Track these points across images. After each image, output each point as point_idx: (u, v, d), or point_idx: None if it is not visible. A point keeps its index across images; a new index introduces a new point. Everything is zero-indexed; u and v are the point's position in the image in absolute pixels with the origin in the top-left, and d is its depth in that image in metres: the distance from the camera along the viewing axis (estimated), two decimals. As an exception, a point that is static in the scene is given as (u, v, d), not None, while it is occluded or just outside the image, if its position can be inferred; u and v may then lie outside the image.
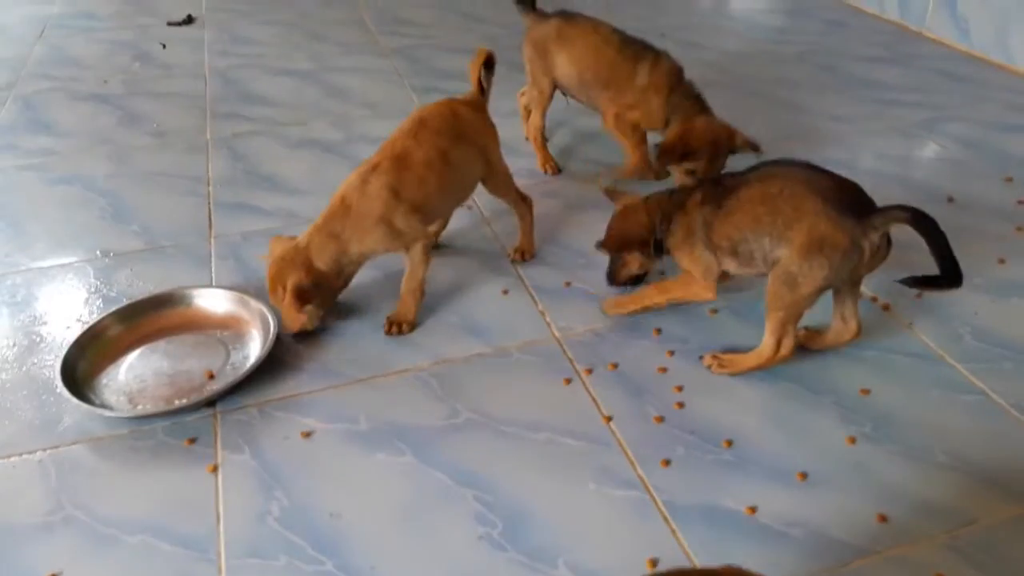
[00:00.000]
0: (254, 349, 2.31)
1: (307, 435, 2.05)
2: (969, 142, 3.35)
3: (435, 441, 2.02)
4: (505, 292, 2.54)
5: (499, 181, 2.60)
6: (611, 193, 2.44)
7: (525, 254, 2.68)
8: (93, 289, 2.62)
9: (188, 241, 2.83)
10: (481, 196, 3.02)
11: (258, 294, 2.44)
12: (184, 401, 2.12)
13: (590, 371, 2.21)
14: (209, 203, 3.06)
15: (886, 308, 2.41)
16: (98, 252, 2.81)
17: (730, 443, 1.98)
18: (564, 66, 3.01)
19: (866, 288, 2.48)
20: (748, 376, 2.16)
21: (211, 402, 2.14)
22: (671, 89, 2.88)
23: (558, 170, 3.17)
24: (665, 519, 1.81)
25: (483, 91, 2.54)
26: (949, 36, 4.32)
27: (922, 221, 1.87)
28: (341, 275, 2.34)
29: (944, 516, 1.79)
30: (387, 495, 1.88)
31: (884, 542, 1.74)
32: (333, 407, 2.13)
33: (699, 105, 2.87)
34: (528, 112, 3.23)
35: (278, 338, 2.30)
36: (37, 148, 3.55)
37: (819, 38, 4.52)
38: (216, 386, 2.17)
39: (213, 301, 2.47)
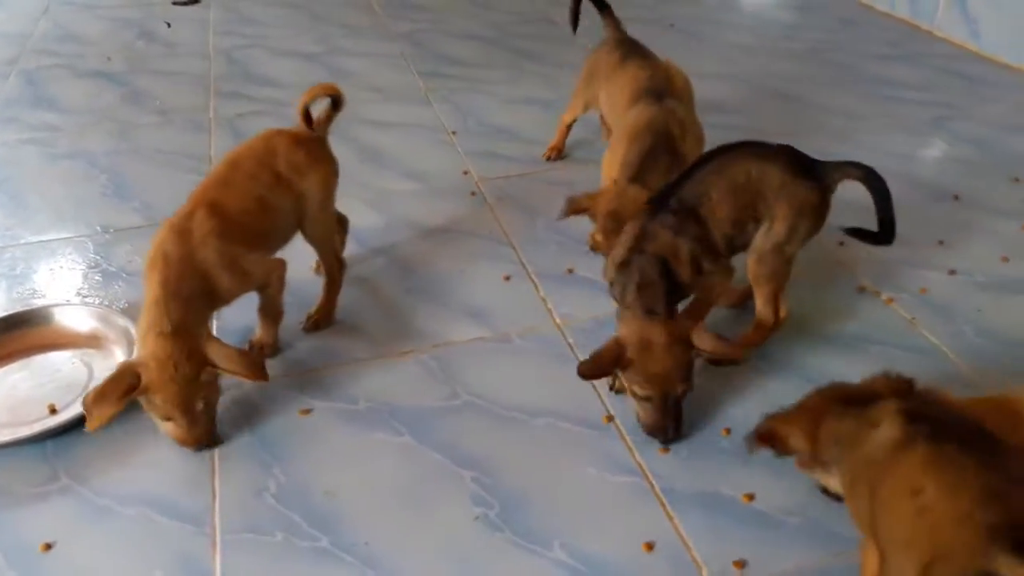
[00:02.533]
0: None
1: (306, 413, 2.04)
2: (977, 141, 3.33)
3: (434, 422, 2.02)
4: (507, 278, 2.53)
5: (317, 230, 2.27)
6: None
7: (320, 323, 2.31)
8: (92, 264, 2.61)
9: (190, 218, 2.81)
10: (483, 181, 3.02)
11: (128, 310, 2.33)
12: (16, 436, 1.92)
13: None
14: (211, 181, 3.05)
15: (889, 302, 2.41)
16: (98, 227, 2.80)
17: (728, 431, 1.97)
18: (602, 101, 2.85)
19: (870, 283, 2.48)
20: (748, 366, 2.16)
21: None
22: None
23: (559, 156, 3.16)
24: (662, 505, 1.80)
25: (309, 124, 2.24)
26: (959, 35, 4.30)
27: (872, 178, 2.01)
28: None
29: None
30: (384, 474, 1.88)
31: (882, 534, 1.73)
32: (332, 387, 2.12)
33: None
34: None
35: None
36: (40, 123, 3.53)
37: (829, 35, 4.50)
38: (51, 423, 1.96)
39: (76, 319, 2.28)
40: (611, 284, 1.99)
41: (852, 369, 2.15)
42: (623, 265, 1.94)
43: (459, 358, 2.22)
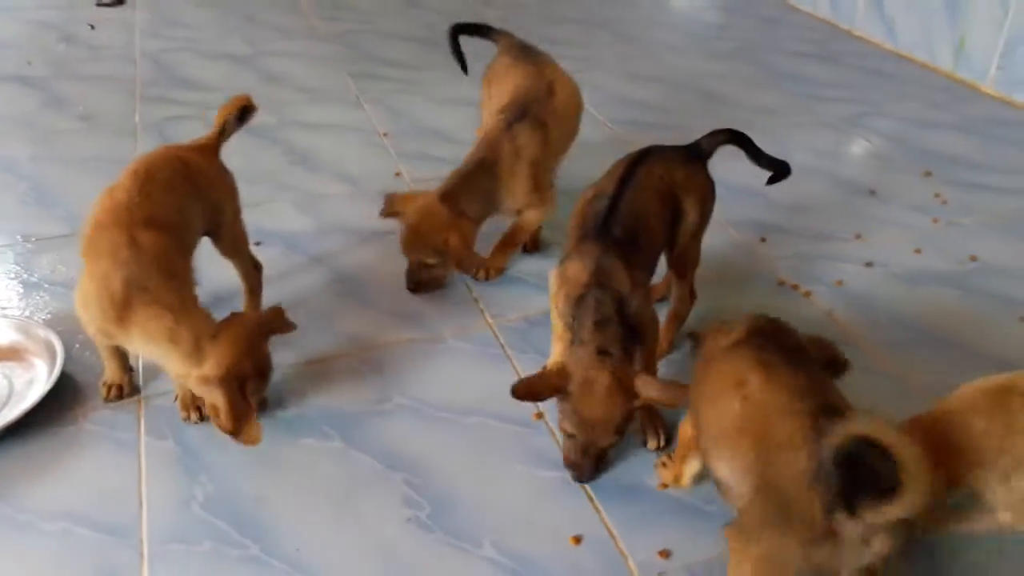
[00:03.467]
0: (38, 382, 2.08)
1: (234, 421, 2.02)
2: (892, 137, 3.47)
3: (364, 425, 2.02)
4: (439, 279, 2.54)
5: (230, 242, 2.22)
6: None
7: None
8: (12, 275, 2.54)
9: (115, 226, 2.76)
10: (416, 182, 3.02)
11: (51, 321, 2.28)
12: None
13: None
14: (137, 188, 2.99)
15: (807, 295, 2.49)
16: (19, 237, 2.72)
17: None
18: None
19: (789, 277, 2.56)
20: (669, 359, 2.21)
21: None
22: None
23: None
24: (589, 498, 1.84)
25: (222, 135, 2.18)
26: (877, 35, 4.46)
27: (738, 137, 2.18)
28: None
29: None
30: (314, 479, 1.88)
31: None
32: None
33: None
34: None
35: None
36: (-45, 129, 3.42)
37: (753, 34, 4.63)
38: None
39: None
40: (570, 318, 1.87)
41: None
42: (579, 300, 1.84)
43: (391, 360, 2.23)
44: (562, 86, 2.60)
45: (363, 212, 2.84)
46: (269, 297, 2.37)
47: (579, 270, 1.87)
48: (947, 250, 2.71)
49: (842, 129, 3.54)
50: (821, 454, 1.28)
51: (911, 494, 1.17)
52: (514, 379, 2.15)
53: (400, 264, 2.62)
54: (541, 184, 2.49)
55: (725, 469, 1.46)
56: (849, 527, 1.27)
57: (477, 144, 2.48)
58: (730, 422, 1.44)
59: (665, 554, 1.72)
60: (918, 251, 2.70)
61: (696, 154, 2.15)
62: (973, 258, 2.67)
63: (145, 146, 3.27)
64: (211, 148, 2.17)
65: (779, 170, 2.20)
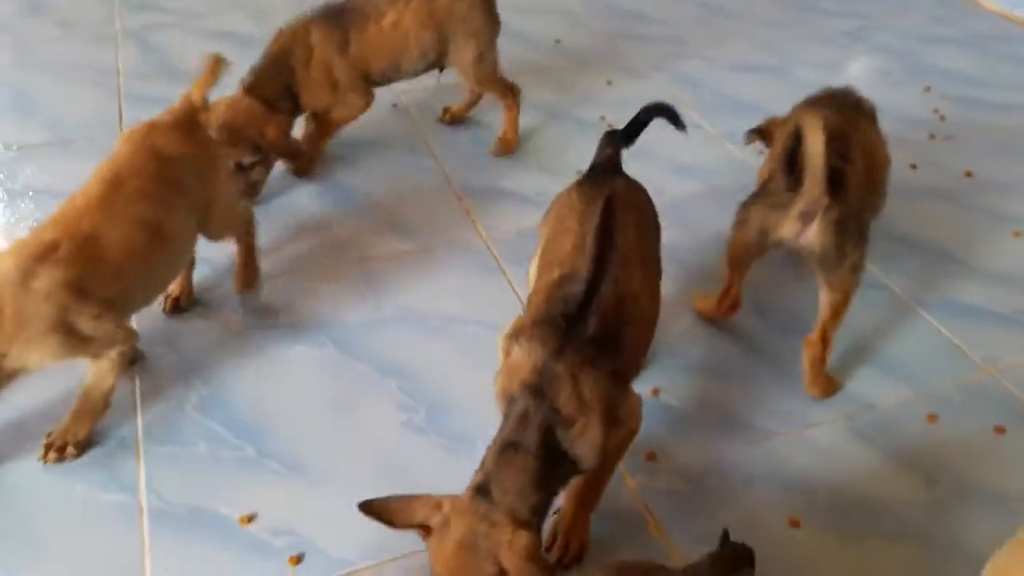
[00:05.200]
0: None
1: (224, 327, 2.02)
2: (892, 51, 3.40)
3: (358, 334, 2.02)
4: (430, 192, 2.51)
5: (224, 222, 1.94)
6: None
7: (248, 285, 2.08)
8: (-4, 182, 2.50)
9: (98, 134, 2.70)
10: (406, 92, 2.95)
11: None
12: None
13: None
14: (119, 96, 2.92)
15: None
16: (1, 145, 2.66)
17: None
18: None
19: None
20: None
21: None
22: None
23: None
24: (582, 404, 1.86)
25: (203, 104, 1.86)
26: (880, -53, 4.32)
27: (655, 111, 1.87)
28: None
29: (847, 402, 1.90)
30: (308, 385, 1.89)
31: (791, 424, 1.83)
32: (250, 302, 2.09)
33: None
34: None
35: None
36: (-71, 36, 3.30)
37: (754, -55, 4.48)
38: None
39: None
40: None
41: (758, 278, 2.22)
42: (510, 400, 1.39)
43: (383, 271, 2.21)
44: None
45: (352, 123, 2.78)
46: (258, 212, 2.33)
47: (523, 360, 1.38)
48: (943, 165, 2.69)
49: (842, 43, 3.47)
50: None
51: None
52: (507, 290, 2.17)
53: (390, 174, 2.59)
54: (341, 87, 2.44)
55: None
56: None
57: (273, 38, 2.41)
58: None
59: (652, 457, 1.75)
60: (913, 166, 2.68)
61: (619, 166, 1.75)
62: (968, 173, 2.65)
63: (126, 54, 3.18)
64: (189, 122, 1.82)
65: (674, 120, 1.90)
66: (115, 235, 1.63)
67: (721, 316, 2.03)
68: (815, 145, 1.64)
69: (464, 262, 2.26)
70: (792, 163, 1.73)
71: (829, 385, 1.89)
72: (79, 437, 1.70)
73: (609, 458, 1.47)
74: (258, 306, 2.08)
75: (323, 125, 2.54)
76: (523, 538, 1.25)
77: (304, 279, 2.18)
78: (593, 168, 1.76)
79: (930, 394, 1.91)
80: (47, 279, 1.54)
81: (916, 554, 1.59)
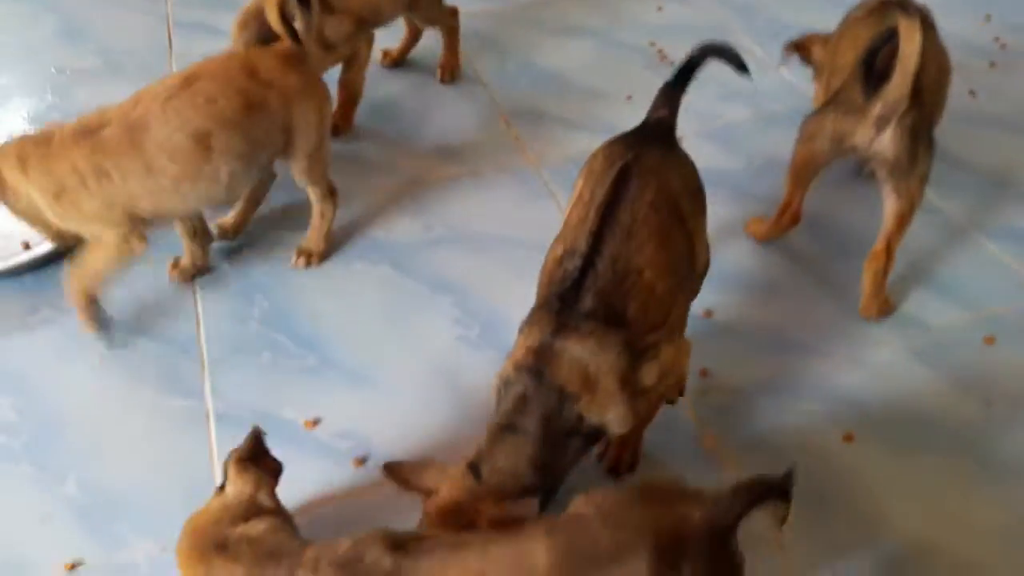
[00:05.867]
0: None
1: (279, 245, 2.05)
2: (951, -21, 3.29)
3: (411, 253, 2.05)
4: (479, 117, 2.50)
5: (308, 166, 1.89)
6: None
7: (312, 256, 2.01)
8: (51, 106, 2.53)
9: (148, 60, 2.71)
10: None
11: None
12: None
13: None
14: (168, 23, 2.92)
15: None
16: (53, 70, 2.69)
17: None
18: None
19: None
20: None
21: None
22: None
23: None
24: (637, 321, 1.87)
25: (296, 38, 1.81)
26: None
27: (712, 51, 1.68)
28: None
29: (903, 323, 1.89)
30: (366, 300, 1.92)
31: (846, 344, 1.84)
32: (300, 216, 2.09)
33: None
34: None
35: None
36: (-23, -36, 3.32)
37: None
38: (25, 257, 1.95)
39: None
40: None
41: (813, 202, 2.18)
42: (506, 382, 1.37)
43: (433, 194, 2.23)
44: None
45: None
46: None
47: (521, 343, 1.39)
48: (1003, 94, 2.62)
49: (898, -29, 3.36)
50: None
51: None
52: (556, 214, 2.17)
53: (439, 99, 2.58)
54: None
55: None
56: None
57: None
58: None
59: (704, 373, 1.77)
60: (972, 93, 2.61)
61: (670, 131, 1.61)
62: (1029, 102, 2.59)
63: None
64: (293, 56, 1.80)
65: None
66: (162, 130, 1.66)
67: (780, 232, 2.03)
68: (911, 45, 1.63)
69: (513, 186, 2.26)
70: (870, 68, 1.72)
71: (885, 305, 1.88)
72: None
73: (644, 419, 1.49)
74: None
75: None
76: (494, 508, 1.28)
77: (353, 201, 2.20)
78: (641, 126, 1.61)
79: (987, 317, 1.89)
80: (79, 154, 1.64)
81: (970, 471, 1.60)
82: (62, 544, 1.48)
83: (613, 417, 1.34)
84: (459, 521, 1.28)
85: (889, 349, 1.82)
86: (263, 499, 1.27)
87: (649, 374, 1.39)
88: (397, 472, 1.38)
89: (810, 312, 1.91)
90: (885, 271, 1.85)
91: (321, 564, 1.16)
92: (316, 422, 1.65)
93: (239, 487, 1.27)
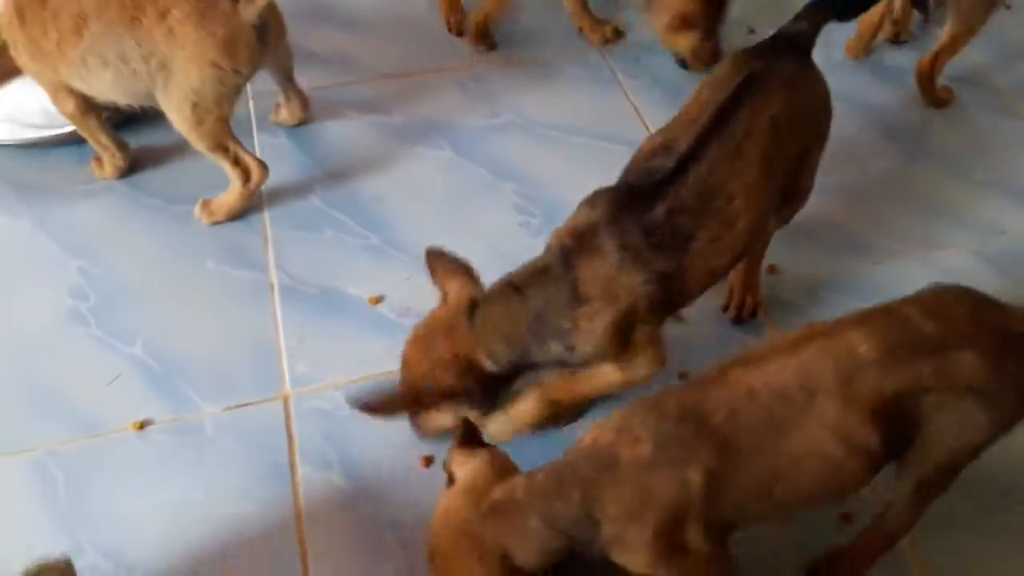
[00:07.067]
0: None
1: (344, 125, 2.02)
2: None
3: (474, 138, 2.00)
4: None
5: (180, 119, 1.69)
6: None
7: (211, 216, 1.80)
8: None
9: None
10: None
11: None
12: (53, 133, 1.91)
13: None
14: None
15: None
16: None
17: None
18: None
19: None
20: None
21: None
22: None
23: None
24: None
25: None
26: None
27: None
28: None
29: (976, 227, 1.83)
30: (428, 184, 1.90)
31: (916, 246, 1.79)
32: (360, 100, 2.08)
33: None
34: None
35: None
36: None
37: None
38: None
39: None
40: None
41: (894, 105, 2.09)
42: (546, 247, 1.30)
43: (497, 80, 2.16)
44: None
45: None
46: (369, 6, 2.28)
47: (572, 218, 1.30)
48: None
49: None
50: None
51: None
52: (623, 101, 2.11)
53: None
54: None
55: None
56: None
57: None
58: None
59: (773, 270, 1.73)
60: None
61: (807, 48, 1.41)
62: None
63: None
64: None
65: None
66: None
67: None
68: None
69: (579, 74, 2.20)
70: None
71: (946, 93, 2.06)
72: None
73: (588, 388, 1.35)
74: (369, 104, 2.07)
75: None
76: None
77: (418, 78, 2.15)
78: (775, 36, 1.42)
79: (1066, 226, 1.83)
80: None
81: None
82: (131, 404, 1.51)
83: (586, 340, 1.23)
84: (426, 352, 1.27)
85: (960, 252, 1.79)
86: (502, 460, 1.15)
87: (643, 340, 1.28)
88: (435, 260, 1.38)
89: (880, 213, 1.86)
90: (930, 76, 2.00)
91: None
92: (379, 299, 1.66)
93: (473, 466, 1.14)
